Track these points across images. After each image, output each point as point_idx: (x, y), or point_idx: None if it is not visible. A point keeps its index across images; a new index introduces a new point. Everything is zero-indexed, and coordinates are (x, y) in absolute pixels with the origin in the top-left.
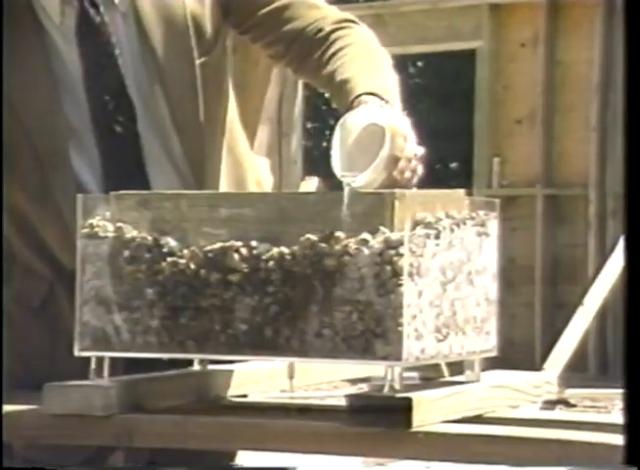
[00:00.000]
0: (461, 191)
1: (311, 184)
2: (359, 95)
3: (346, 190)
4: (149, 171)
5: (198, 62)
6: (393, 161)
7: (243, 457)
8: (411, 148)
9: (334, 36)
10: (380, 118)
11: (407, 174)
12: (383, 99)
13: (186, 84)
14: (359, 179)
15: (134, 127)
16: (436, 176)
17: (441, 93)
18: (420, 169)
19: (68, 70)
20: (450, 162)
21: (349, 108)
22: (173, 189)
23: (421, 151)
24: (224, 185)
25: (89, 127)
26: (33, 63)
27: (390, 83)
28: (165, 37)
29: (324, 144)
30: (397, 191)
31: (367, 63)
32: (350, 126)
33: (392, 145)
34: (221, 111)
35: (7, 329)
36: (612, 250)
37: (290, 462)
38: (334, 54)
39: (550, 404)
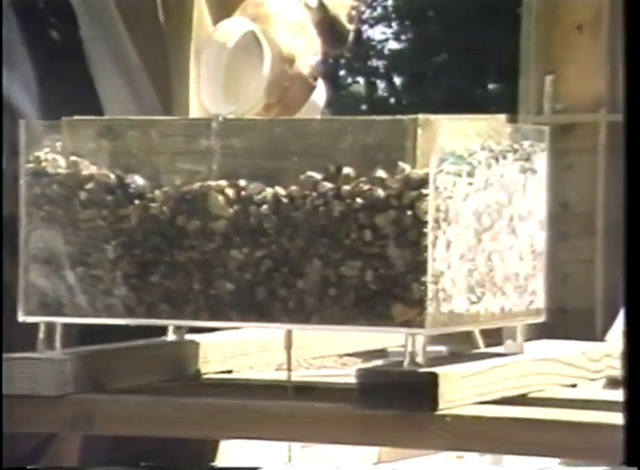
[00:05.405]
0: (501, 117)
1: None
2: None
3: (214, 125)
4: (97, 86)
5: None
6: (276, 85)
7: (226, 452)
8: (301, 64)
9: None
10: (256, 29)
11: (296, 94)
12: None
13: None
14: (234, 113)
15: (75, 32)
16: (472, 99)
17: None
18: (317, 83)
19: None
20: (490, 81)
21: None
22: (128, 107)
23: (315, 60)
24: (195, 103)
25: (18, 36)
26: None
27: None
28: None
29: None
30: (421, 116)
31: None
32: (222, 42)
33: (273, 69)
34: (187, 10)
35: None
36: None
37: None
38: None
39: (612, 383)
